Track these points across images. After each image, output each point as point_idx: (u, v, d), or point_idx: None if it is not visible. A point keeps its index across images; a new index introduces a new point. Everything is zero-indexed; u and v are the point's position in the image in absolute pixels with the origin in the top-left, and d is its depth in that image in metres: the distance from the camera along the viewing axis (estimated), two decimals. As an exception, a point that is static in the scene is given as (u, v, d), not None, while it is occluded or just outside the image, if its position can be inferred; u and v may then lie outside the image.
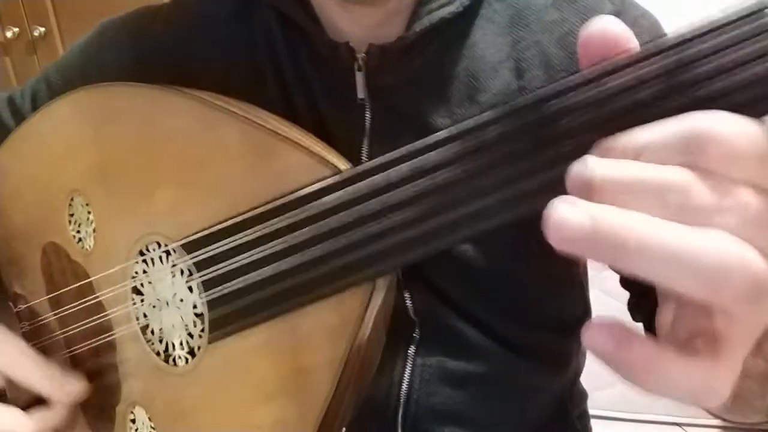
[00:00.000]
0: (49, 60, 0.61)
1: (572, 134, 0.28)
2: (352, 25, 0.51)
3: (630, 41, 0.27)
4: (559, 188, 0.29)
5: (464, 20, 0.50)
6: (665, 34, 0.50)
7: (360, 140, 0.51)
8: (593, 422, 0.70)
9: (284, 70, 0.52)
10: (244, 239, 0.39)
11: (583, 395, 0.69)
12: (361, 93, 0.50)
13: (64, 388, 0.48)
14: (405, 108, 0.50)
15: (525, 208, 0.30)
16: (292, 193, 0.37)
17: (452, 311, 0.54)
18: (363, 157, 0.51)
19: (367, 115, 0.51)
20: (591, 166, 0.24)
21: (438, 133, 0.32)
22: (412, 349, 0.55)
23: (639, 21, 0.50)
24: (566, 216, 0.23)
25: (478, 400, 0.57)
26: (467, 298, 0.53)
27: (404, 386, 0.55)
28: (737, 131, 0.22)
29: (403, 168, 0.33)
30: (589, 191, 0.24)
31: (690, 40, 0.25)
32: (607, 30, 0.27)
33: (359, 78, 0.50)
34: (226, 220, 0.40)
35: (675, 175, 0.23)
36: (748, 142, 0.22)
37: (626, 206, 0.23)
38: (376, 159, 0.34)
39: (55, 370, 0.49)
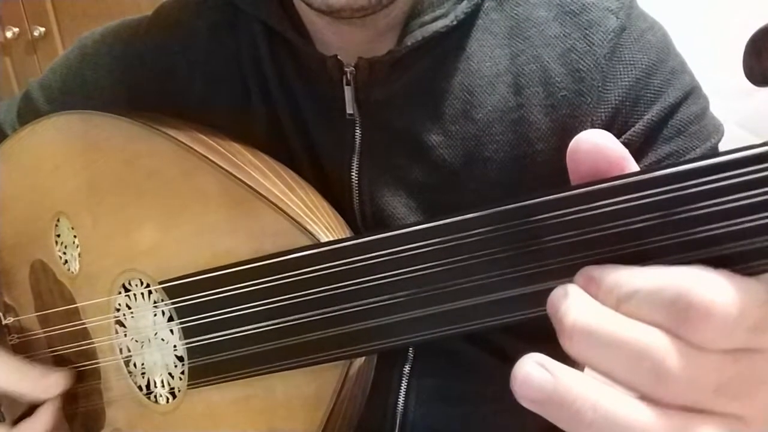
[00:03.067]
0: (49, 60, 0.59)
1: (556, 253, 0.26)
2: (341, 41, 0.47)
3: (625, 161, 0.25)
4: (538, 303, 0.27)
5: (459, 31, 0.46)
6: (674, 48, 0.48)
7: (349, 157, 0.48)
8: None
9: (270, 85, 0.49)
10: (225, 295, 0.38)
11: None
12: (349, 108, 0.47)
13: (41, 383, 0.48)
14: (397, 124, 0.48)
15: (502, 319, 0.28)
16: (271, 257, 0.36)
17: None
18: (353, 174, 0.48)
19: (357, 130, 0.48)
20: (566, 306, 0.23)
21: (421, 225, 0.30)
22: (407, 368, 0.54)
23: (646, 35, 0.47)
24: (530, 375, 0.23)
25: (476, 419, 0.56)
26: None
27: (400, 406, 0.54)
28: (730, 302, 0.21)
29: (383, 253, 0.31)
30: (560, 330, 0.23)
31: (695, 175, 0.23)
32: (599, 147, 0.24)
33: (348, 92, 0.47)
34: (207, 272, 0.39)
35: (653, 341, 0.21)
36: (739, 313, 0.21)
37: (594, 359, 0.22)
38: (356, 238, 0.32)
39: (34, 369, 0.48)
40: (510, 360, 0.55)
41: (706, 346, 0.21)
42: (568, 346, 0.23)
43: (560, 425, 0.22)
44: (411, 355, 0.54)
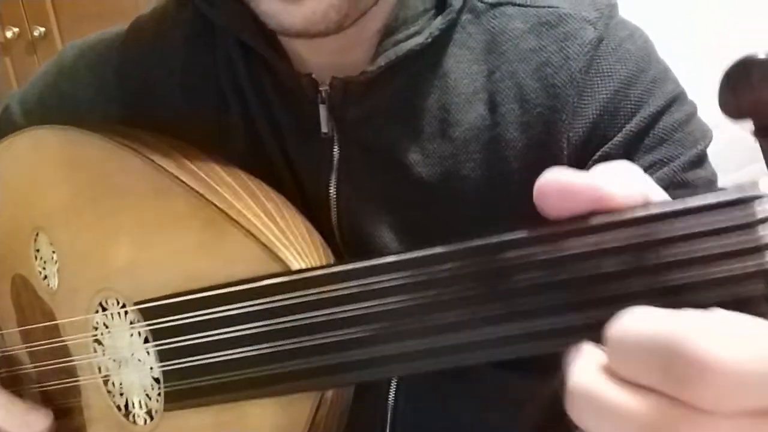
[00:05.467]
0: (49, 60, 0.58)
1: (525, 292, 0.25)
2: (314, 54, 0.46)
3: (599, 190, 0.23)
4: (508, 345, 0.26)
5: (435, 47, 0.45)
6: (656, 55, 0.46)
7: (327, 173, 0.48)
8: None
9: (248, 98, 0.48)
10: (199, 319, 0.37)
11: None
12: (324, 127, 0.47)
13: (27, 422, 0.48)
14: (374, 142, 0.47)
15: (473, 357, 0.27)
16: (243, 282, 0.35)
17: None
18: (331, 192, 0.48)
19: (335, 149, 0.47)
20: (572, 366, 0.21)
21: (391, 256, 0.29)
22: None
23: (624, 45, 0.45)
24: None
25: (467, 415, 0.56)
26: None
27: (390, 403, 0.54)
28: (734, 354, 0.17)
29: (353, 285, 0.30)
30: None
31: (664, 218, 0.22)
32: (563, 186, 0.23)
33: (323, 111, 0.46)
34: (181, 294, 0.38)
35: (647, 410, 0.18)
36: (751, 367, 0.17)
37: (592, 429, 0.20)
38: (326, 267, 0.31)
39: (19, 404, 0.48)
40: (500, 361, 0.54)
41: (713, 410, 0.18)
42: (569, 410, 0.21)
43: None
44: None
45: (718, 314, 0.18)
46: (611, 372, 0.20)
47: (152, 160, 0.39)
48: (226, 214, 0.36)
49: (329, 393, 0.35)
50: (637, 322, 0.19)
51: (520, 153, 0.45)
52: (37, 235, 0.49)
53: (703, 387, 0.17)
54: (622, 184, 0.23)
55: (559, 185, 0.23)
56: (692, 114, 0.46)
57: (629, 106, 0.44)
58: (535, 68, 0.44)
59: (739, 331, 0.18)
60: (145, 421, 0.44)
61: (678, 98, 0.46)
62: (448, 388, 0.54)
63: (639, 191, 0.23)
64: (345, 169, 0.47)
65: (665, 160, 0.44)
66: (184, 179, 0.38)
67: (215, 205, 0.36)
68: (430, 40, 0.44)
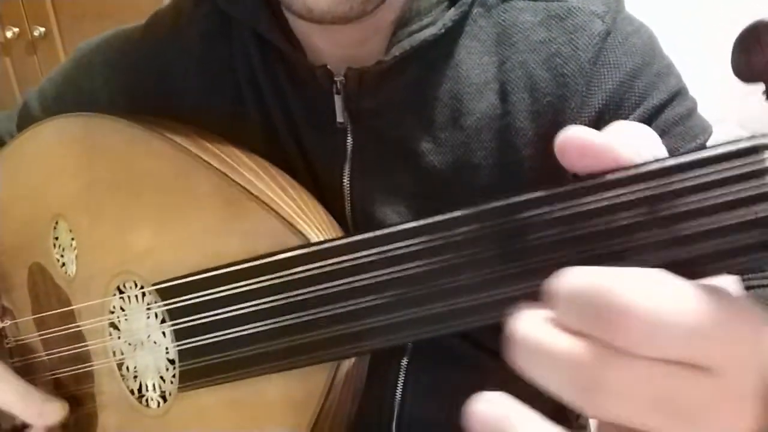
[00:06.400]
0: (49, 60, 0.60)
1: (540, 251, 0.26)
2: (329, 45, 0.48)
3: (613, 151, 0.24)
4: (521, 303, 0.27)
5: (447, 39, 0.47)
6: (660, 50, 0.47)
7: (341, 164, 0.49)
8: (592, 422, 0.68)
9: (263, 90, 0.50)
10: (217, 296, 0.38)
11: None
12: (340, 117, 0.48)
13: (42, 413, 0.48)
14: (387, 132, 0.48)
15: (491, 319, 0.28)
16: (262, 257, 0.35)
17: None
18: (344, 181, 0.49)
19: (349, 138, 0.48)
20: (516, 317, 0.24)
21: (407, 223, 0.29)
22: (404, 361, 0.54)
23: (631, 39, 0.47)
24: (480, 411, 0.23)
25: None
26: None
27: (397, 397, 0.54)
28: (655, 302, 0.20)
29: (371, 253, 0.31)
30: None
31: (676, 170, 0.23)
32: (583, 143, 0.24)
33: (338, 101, 0.47)
34: (199, 273, 0.39)
35: (577, 350, 0.21)
36: (668, 316, 0.20)
37: (532, 373, 0.22)
38: (345, 238, 0.32)
39: (35, 394, 0.49)
40: (503, 358, 0.55)
41: (633, 351, 0.20)
42: (513, 358, 0.23)
43: None
44: (409, 346, 0.54)
45: (654, 272, 0.21)
46: (554, 322, 0.22)
47: (176, 142, 0.40)
48: (248, 191, 0.37)
49: (344, 366, 0.35)
50: (576, 276, 0.22)
51: (530, 141, 0.46)
52: (57, 222, 0.50)
53: (624, 330, 0.20)
54: (637, 146, 0.24)
55: (580, 142, 0.24)
56: (693, 109, 0.48)
57: (633, 97, 0.45)
58: (545, 59, 0.46)
59: (665, 287, 0.20)
60: (158, 403, 0.44)
61: (680, 93, 0.47)
62: (454, 384, 0.54)
63: (653, 156, 0.24)
64: (358, 159, 0.48)
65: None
66: (206, 159, 0.39)
67: (237, 183, 0.37)
68: (443, 31, 0.45)
